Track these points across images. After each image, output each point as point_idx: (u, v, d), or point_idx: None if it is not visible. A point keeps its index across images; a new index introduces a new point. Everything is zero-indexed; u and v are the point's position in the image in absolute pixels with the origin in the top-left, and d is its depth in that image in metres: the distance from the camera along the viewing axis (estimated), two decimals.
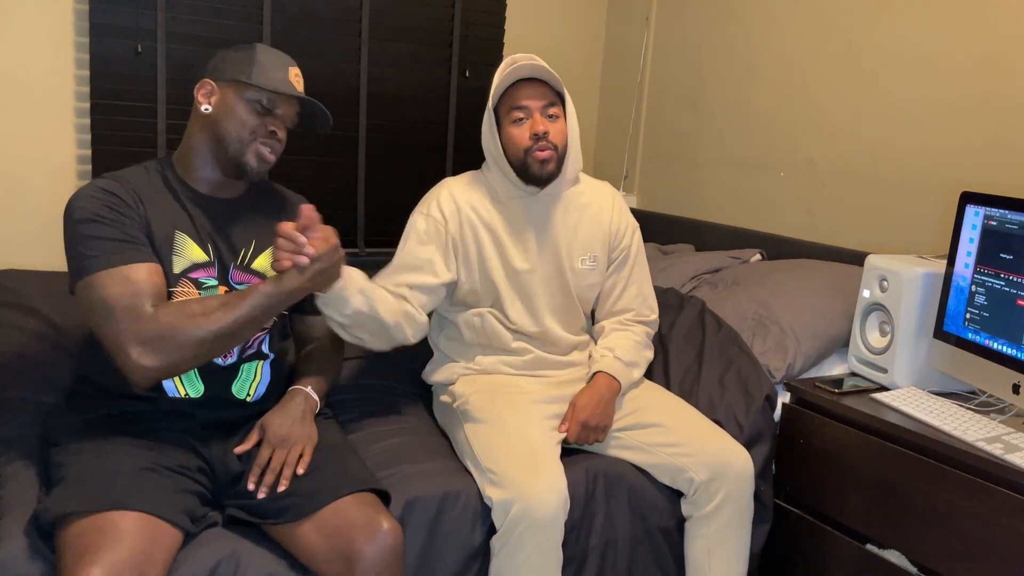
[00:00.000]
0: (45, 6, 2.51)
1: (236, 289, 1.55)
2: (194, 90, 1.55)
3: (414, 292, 1.81)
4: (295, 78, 1.60)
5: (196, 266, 1.51)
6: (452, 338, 1.95)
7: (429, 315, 1.87)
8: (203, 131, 1.55)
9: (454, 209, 1.86)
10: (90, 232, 1.40)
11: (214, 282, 1.53)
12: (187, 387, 1.51)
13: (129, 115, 2.64)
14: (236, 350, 1.56)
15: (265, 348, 1.62)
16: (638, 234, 2.02)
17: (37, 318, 2.03)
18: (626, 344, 1.92)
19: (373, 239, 3.14)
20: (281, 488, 1.43)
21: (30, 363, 1.86)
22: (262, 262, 1.60)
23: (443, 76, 3.18)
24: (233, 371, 1.56)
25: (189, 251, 1.51)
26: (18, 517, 1.34)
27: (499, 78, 1.82)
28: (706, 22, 3.01)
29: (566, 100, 1.86)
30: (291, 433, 1.50)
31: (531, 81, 1.81)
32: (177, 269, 1.49)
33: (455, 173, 3.22)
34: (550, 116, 1.82)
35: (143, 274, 1.40)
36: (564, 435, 1.78)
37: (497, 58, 3.26)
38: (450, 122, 3.21)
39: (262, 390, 1.61)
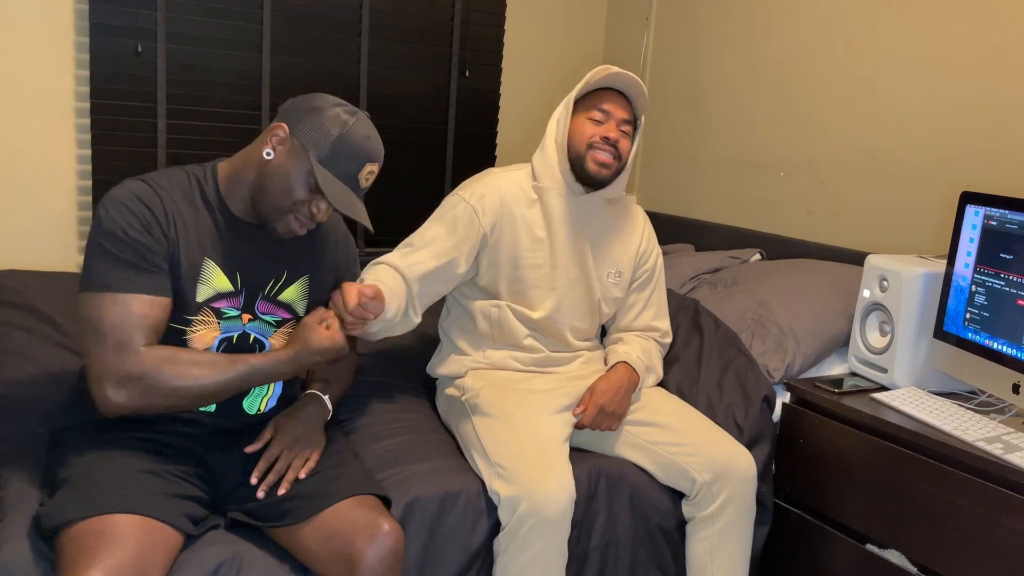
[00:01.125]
0: (45, 6, 2.51)
1: (261, 319, 1.52)
2: (271, 125, 1.46)
3: (424, 279, 1.80)
4: (366, 176, 1.49)
5: (220, 296, 1.47)
6: (464, 328, 1.94)
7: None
8: (255, 170, 1.46)
9: (497, 203, 1.86)
10: (109, 246, 1.36)
11: (236, 312, 1.49)
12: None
13: (129, 115, 2.64)
14: None
15: None
16: (661, 259, 2.06)
17: (38, 318, 2.03)
18: (648, 348, 1.97)
19: (373, 239, 3.14)
20: (281, 491, 1.43)
21: (32, 363, 1.85)
22: (290, 294, 1.55)
23: (443, 76, 3.18)
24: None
25: (216, 280, 1.46)
26: (20, 519, 1.34)
27: (597, 75, 1.86)
28: (706, 22, 3.02)
29: (639, 127, 1.92)
30: (302, 438, 1.50)
31: (619, 95, 1.87)
32: (201, 298, 1.45)
33: (455, 173, 3.27)
34: (623, 132, 1.87)
35: (145, 307, 1.37)
36: (571, 431, 1.78)
37: (497, 58, 3.27)
38: (450, 122, 3.21)
39: (272, 404, 1.60)
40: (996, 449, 1.54)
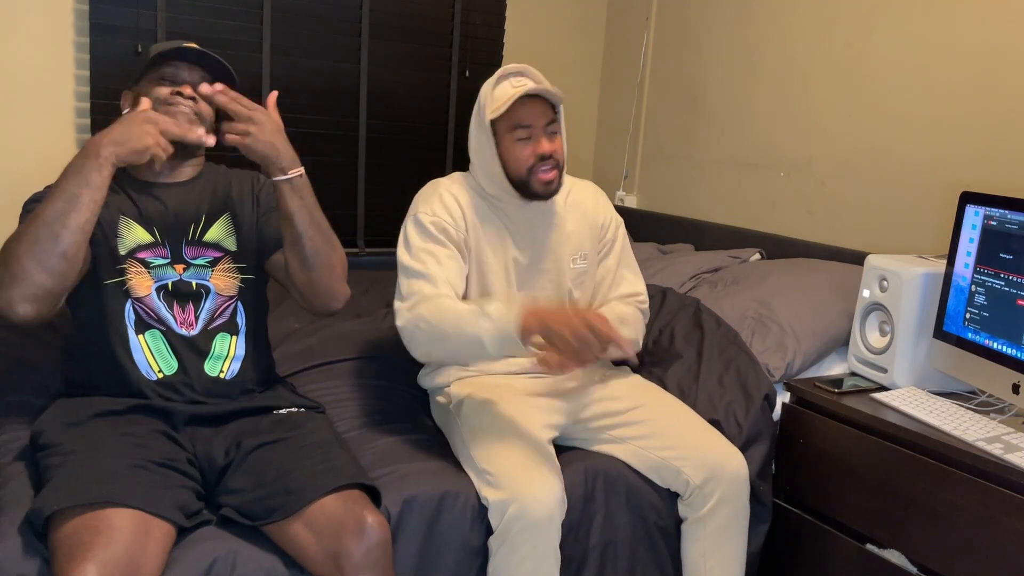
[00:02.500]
0: (45, 6, 2.51)
1: (193, 265, 1.61)
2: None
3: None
4: (188, 46, 1.62)
5: (141, 247, 1.58)
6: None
7: None
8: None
9: (458, 211, 1.83)
10: (30, 208, 1.53)
11: (163, 261, 1.59)
12: (160, 364, 1.56)
13: None
14: (201, 319, 1.60)
15: (239, 319, 1.64)
16: (623, 227, 2.02)
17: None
18: (623, 312, 1.91)
19: (373, 239, 3.14)
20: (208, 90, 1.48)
21: (26, 365, 1.86)
22: (215, 233, 1.64)
23: (443, 76, 3.18)
24: (204, 344, 1.59)
25: (133, 234, 1.58)
26: (15, 516, 1.34)
27: (500, 93, 1.77)
28: (706, 22, 3.01)
29: (560, 113, 1.85)
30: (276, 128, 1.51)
31: (531, 97, 1.77)
32: (123, 251, 1.56)
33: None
34: (552, 132, 1.81)
35: None
36: (557, 434, 1.78)
37: (497, 58, 3.27)
38: (450, 122, 3.21)
39: (236, 367, 1.62)
40: (996, 449, 1.54)
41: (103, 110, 2.59)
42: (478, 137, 1.84)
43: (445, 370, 1.92)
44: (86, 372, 1.58)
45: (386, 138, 3.11)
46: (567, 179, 1.96)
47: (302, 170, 1.53)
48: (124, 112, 1.58)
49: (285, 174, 1.51)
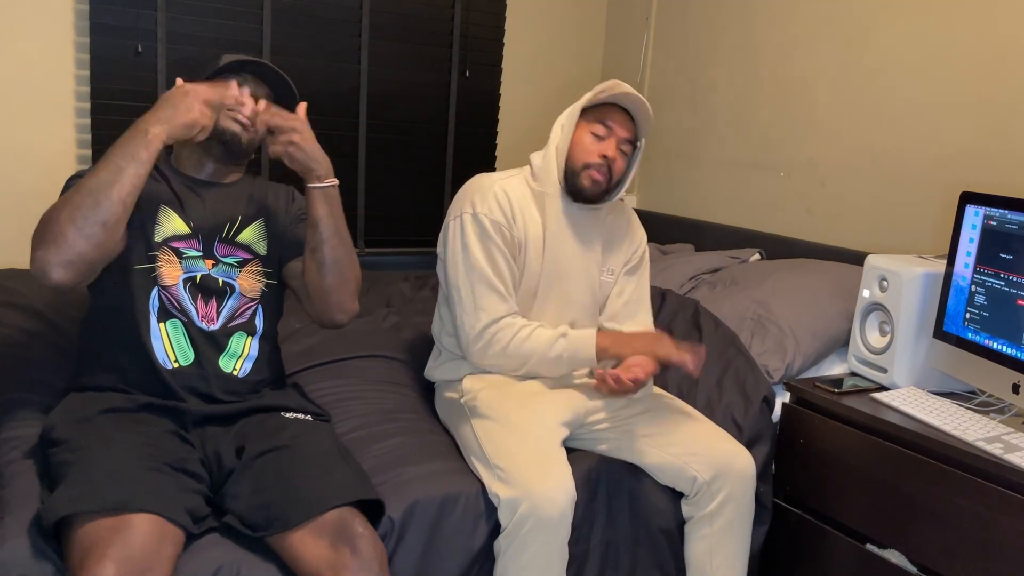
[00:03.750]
0: (45, 6, 2.51)
1: (223, 263, 1.64)
2: None
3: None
4: (262, 61, 1.69)
5: (177, 237, 1.61)
6: (455, 336, 1.94)
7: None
8: None
9: (510, 210, 1.84)
10: (72, 183, 1.56)
11: (196, 253, 1.62)
12: (177, 354, 1.57)
13: (129, 115, 2.62)
14: (223, 315, 1.62)
15: (258, 322, 1.67)
16: (647, 256, 2.05)
17: (37, 318, 2.03)
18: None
19: (373, 239, 3.14)
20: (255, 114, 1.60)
21: (30, 363, 1.86)
22: (247, 235, 1.68)
23: (443, 76, 3.18)
24: (222, 340, 1.62)
25: (171, 223, 1.61)
26: (21, 516, 1.34)
27: (608, 89, 1.83)
28: (706, 22, 3.01)
29: (639, 148, 1.90)
30: (307, 132, 1.57)
31: (624, 112, 1.85)
32: (158, 238, 1.59)
33: (455, 173, 3.27)
34: (622, 151, 1.86)
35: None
36: (569, 433, 1.78)
37: (497, 58, 3.27)
38: (450, 122, 3.21)
39: (249, 366, 1.64)
40: (996, 449, 1.54)
41: (103, 110, 2.59)
42: (563, 120, 1.89)
43: (455, 364, 1.92)
44: (102, 357, 1.59)
45: (386, 138, 3.10)
46: (617, 203, 2.00)
47: (336, 181, 1.60)
48: None
49: (322, 182, 1.57)
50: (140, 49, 2.62)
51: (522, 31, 3.30)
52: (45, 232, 1.41)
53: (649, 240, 2.99)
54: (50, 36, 2.53)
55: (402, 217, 3.15)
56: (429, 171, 3.21)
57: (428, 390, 2.06)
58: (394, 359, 2.14)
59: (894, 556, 1.71)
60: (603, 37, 3.51)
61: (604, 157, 1.82)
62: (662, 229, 3.06)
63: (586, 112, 1.87)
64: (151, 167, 1.47)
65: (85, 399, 1.53)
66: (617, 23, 3.45)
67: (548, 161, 1.89)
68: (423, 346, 2.18)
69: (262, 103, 1.61)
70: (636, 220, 2.06)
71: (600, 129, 1.84)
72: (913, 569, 1.67)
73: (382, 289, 2.66)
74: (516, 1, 3.27)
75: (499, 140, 3.35)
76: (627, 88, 1.83)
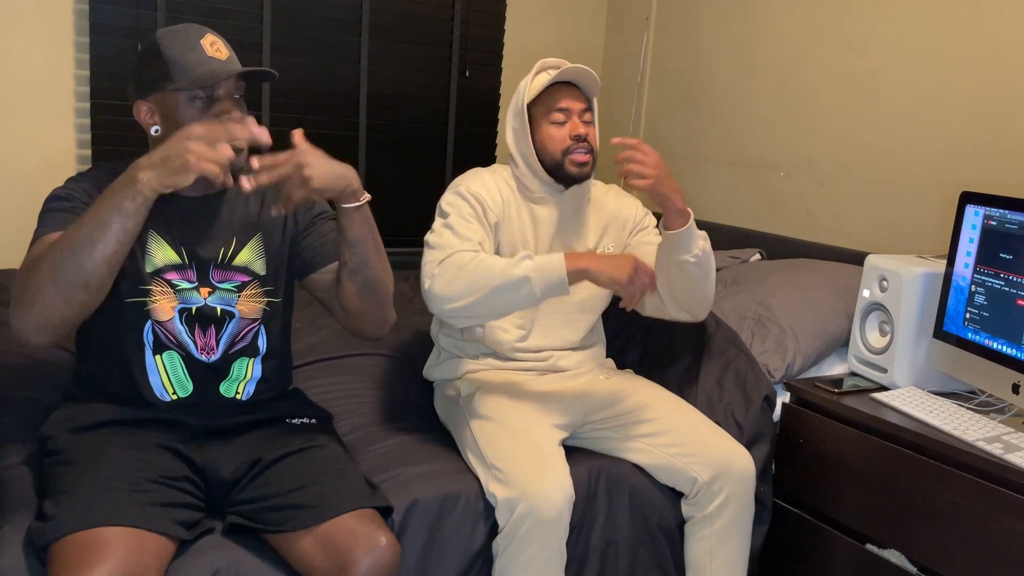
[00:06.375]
0: (45, 6, 2.51)
1: (220, 289, 1.52)
2: (134, 115, 1.50)
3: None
4: (212, 47, 1.50)
5: (170, 267, 1.49)
6: (452, 336, 1.95)
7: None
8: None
9: (498, 197, 1.85)
10: (52, 207, 1.43)
11: (190, 285, 1.50)
12: (176, 387, 1.51)
13: (129, 115, 2.60)
14: (222, 343, 1.52)
15: (260, 342, 1.58)
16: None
17: None
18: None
19: None
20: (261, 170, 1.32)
21: (30, 364, 1.85)
22: (244, 257, 1.55)
23: (443, 76, 3.18)
24: (222, 369, 1.54)
25: (162, 252, 1.49)
26: (18, 526, 1.34)
27: (541, 77, 1.83)
28: (706, 22, 3.01)
29: (594, 109, 1.89)
30: (324, 161, 1.36)
31: (567, 85, 1.84)
32: (149, 269, 1.48)
33: (455, 173, 3.26)
34: (586, 121, 1.85)
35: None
36: (567, 435, 1.78)
37: (497, 58, 3.27)
38: (450, 122, 3.21)
39: (251, 388, 1.58)
40: (996, 449, 1.54)
41: (103, 110, 2.59)
42: (514, 125, 1.88)
43: (453, 362, 1.92)
44: (96, 380, 1.54)
45: (386, 138, 3.11)
46: (602, 186, 2.00)
47: (369, 196, 1.45)
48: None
49: (357, 199, 1.41)
50: (140, 49, 2.61)
51: (522, 31, 3.30)
52: (24, 292, 1.28)
53: None
54: (50, 36, 2.53)
55: (402, 217, 3.15)
56: (429, 171, 3.21)
57: (428, 388, 2.06)
58: (394, 358, 2.14)
59: (894, 556, 1.71)
60: (603, 37, 3.51)
61: (576, 137, 1.82)
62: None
63: (533, 107, 1.86)
64: (141, 219, 1.30)
65: (81, 408, 1.51)
66: (617, 23, 3.45)
67: (520, 167, 1.88)
68: (423, 345, 2.18)
69: (253, 160, 1.35)
70: (616, 191, 2.03)
71: (558, 116, 1.83)
72: (913, 569, 1.67)
73: None
74: (516, 1, 3.27)
75: (499, 140, 3.35)
76: (555, 63, 1.84)
